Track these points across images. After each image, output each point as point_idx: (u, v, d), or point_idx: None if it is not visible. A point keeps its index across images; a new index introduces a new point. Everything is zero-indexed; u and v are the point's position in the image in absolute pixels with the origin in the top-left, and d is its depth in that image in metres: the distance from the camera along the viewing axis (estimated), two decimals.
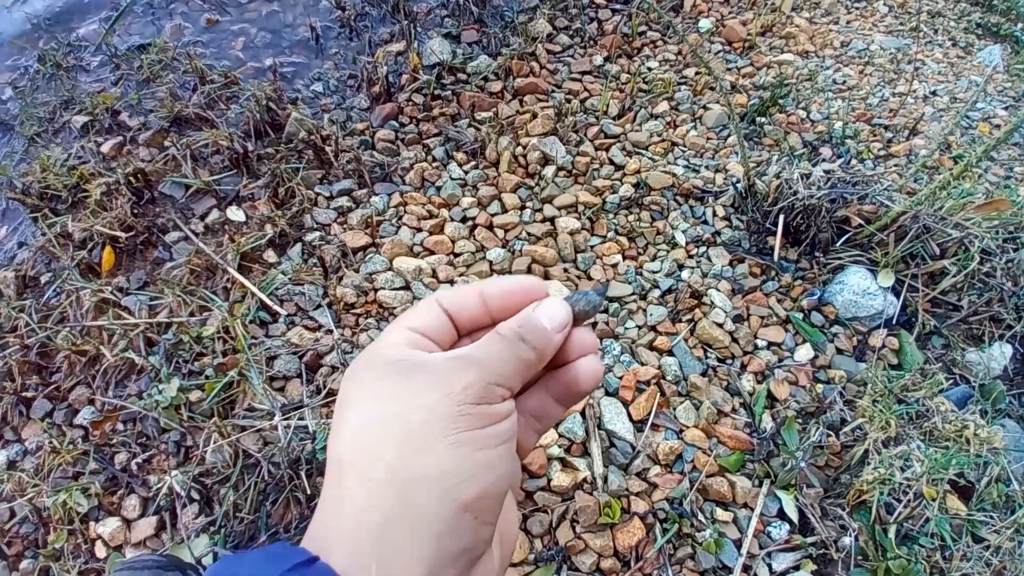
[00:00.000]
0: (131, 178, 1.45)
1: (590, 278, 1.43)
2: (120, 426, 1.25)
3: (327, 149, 1.56)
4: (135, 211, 1.47)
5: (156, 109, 1.66)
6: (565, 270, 1.44)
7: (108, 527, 1.16)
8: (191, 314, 1.29)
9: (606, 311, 1.38)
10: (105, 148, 1.58)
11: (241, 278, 1.31)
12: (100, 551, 1.18)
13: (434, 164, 1.64)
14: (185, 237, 1.44)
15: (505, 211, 1.54)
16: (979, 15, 2.51)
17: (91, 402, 1.23)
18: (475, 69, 1.83)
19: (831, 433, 1.21)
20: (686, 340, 1.32)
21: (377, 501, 0.30)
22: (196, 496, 1.15)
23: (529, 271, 1.42)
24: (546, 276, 1.42)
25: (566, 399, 0.39)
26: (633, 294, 1.41)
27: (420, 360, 0.34)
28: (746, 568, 1.08)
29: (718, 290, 1.41)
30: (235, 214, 1.48)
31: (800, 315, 1.39)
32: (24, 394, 1.25)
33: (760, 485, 1.16)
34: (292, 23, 1.89)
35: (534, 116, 1.72)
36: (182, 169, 1.52)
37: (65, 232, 1.43)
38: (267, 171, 1.53)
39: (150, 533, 1.16)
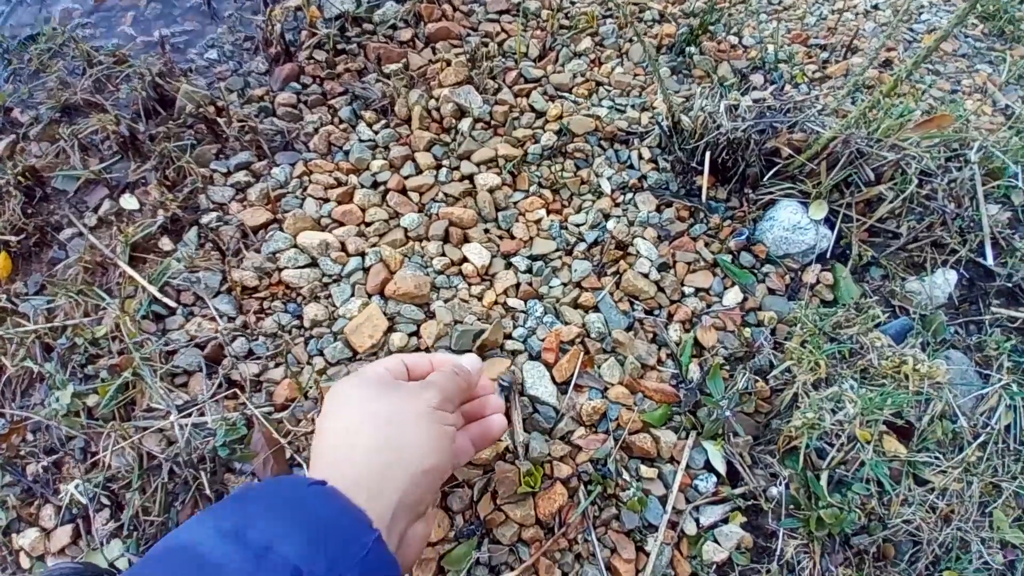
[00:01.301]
0: (20, 178, 1.34)
1: (512, 237, 1.35)
2: (30, 436, 1.20)
3: (220, 121, 1.45)
4: (27, 211, 1.37)
5: (46, 101, 1.53)
6: (486, 231, 1.36)
7: (28, 538, 1.13)
8: (85, 314, 1.22)
9: (529, 271, 1.31)
10: None
11: (131, 271, 1.22)
12: (24, 562, 1.16)
13: (341, 126, 1.53)
14: (78, 233, 1.35)
15: (419, 172, 1.44)
16: None
17: (1, 414, 1.17)
18: (382, 17, 1.68)
19: (759, 379, 1.16)
20: (611, 294, 1.26)
21: (374, 456, 0.52)
22: (106, 502, 1.11)
23: (447, 236, 1.34)
24: (465, 239, 1.34)
25: (480, 442, 0.75)
26: (558, 250, 1.33)
27: (398, 382, 0.64)
28: (672, 524, 1.06)
29: (644, 238, 1.34)
30: (128, 202, 1.38)
31: (728, 257, 1.33)
32: None
33: (686, 438, 1.12)
34: None
35: (447, 64, 1.60)
36: (71, 161, 1.41)
37: None
38: (161, 150, 1.42)
39: (67, 541, 1.13)
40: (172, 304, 1.22)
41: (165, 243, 1.32)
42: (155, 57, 1.58)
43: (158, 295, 1.20)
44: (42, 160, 1.44)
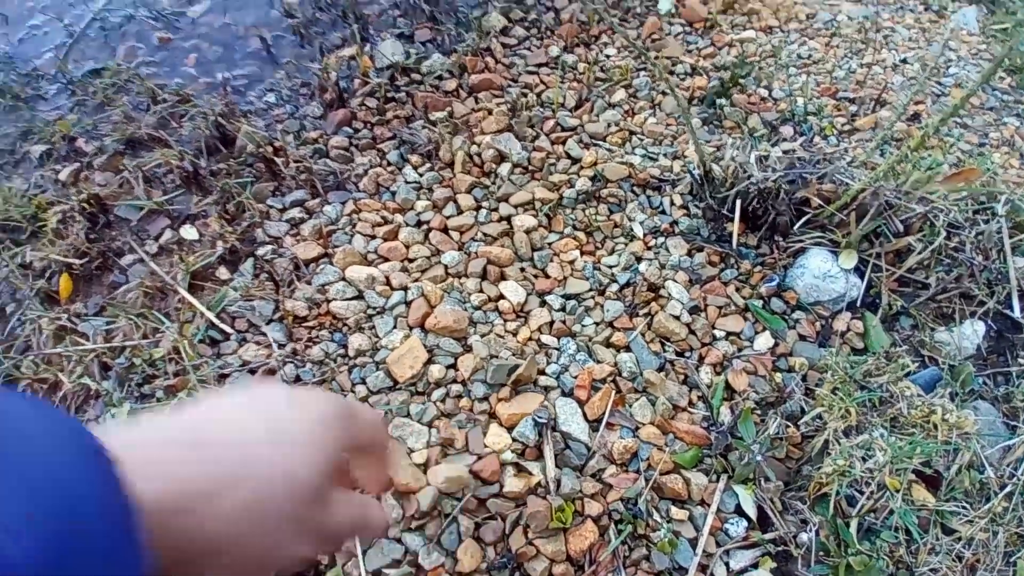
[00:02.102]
0: (85, 204, 1.46)
1: (547, 276, 1.41)
2: None
3: (278, 161, 1.55)
4: (90, 237, 1.47)
5: (111, 133, 1.66)
6: (522, 270, 1.42)
7: None
8: (144, 336, 1.29)
9: (563, 309, 1.36)
10: (63, 176, 1.59)
11: (190, 298, 1.30)
12: None
13: (389, 168, 1.62)
14: (139, 259, 1.44)
15: (460, 212, 1.52)
16: None
17: None
18: (429, 68, 1.80)
19: (790, 424, 1.18)
20: (643, 335, 1.30)
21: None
22: None
23: (485, 274, 1.40)
24: (502, 277, 1.40)
25: (371, 486, 0.48)
26: (591, 290, 1.38)
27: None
28: (703, 567, 1.06)
29: (675, 281, 1.39)
30: (188, 232, 1.48)
31: (759, 303, 1.36)
32: None
33: (717, 481, 1.14)
34: (244, 35, 1.87)
35: (489, 113, 1.70)
36: (135, 191, 1.52)
37: (25, 262, 1.44)
38: (218, 186, 1.53)
39: None
40: (227, 330, 1.29)
41: (222, 272, 1.41)
42: (217, 98, 1.71)
43: (215, 320, 1.27)
44: (106, 189, 1.55)
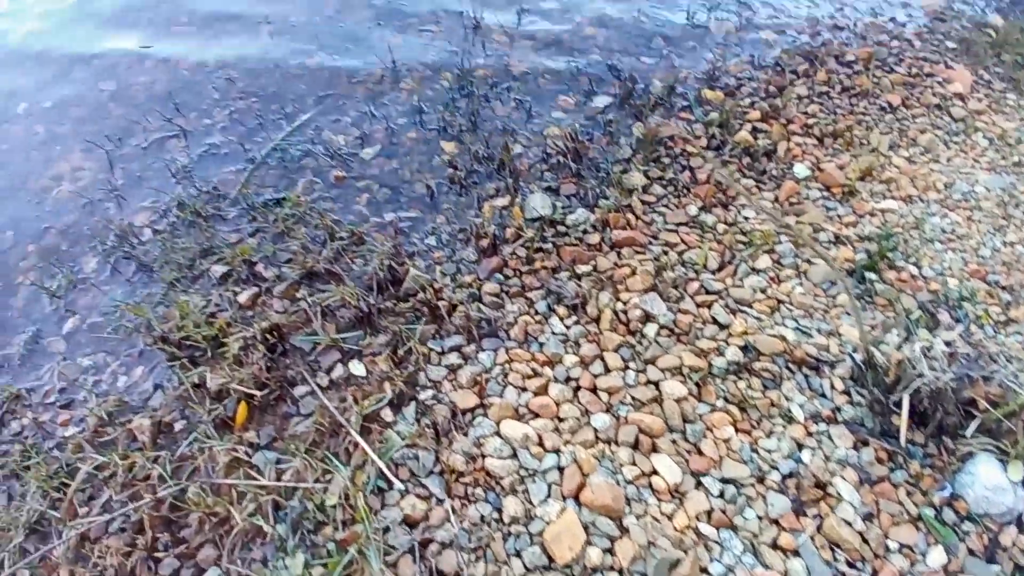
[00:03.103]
0: (267, 334, 1.60)
1: (701, 454, 1.40)
2: None
3: (440, 306, 1.66)
4: (269, 366, 1.58)
5: (290, 262, 1.83)
6: (674, 442, 1.42)
7: None
8: (316, 480, 1.36)
9: (721, 496, 1.33)
10: (242, 298, 1.76)
11: (364, 444, 1.38)
12: None
13: (536, 318, 1.70)
14: (311, 392, 1.55)
15: (608, 371, 1.56)
16: None
17: (218, 563, 1.30)
18: (574, 222, 1.92)
19: None
20: (812, 539, 1.25)
21: None
22: None
23: (637, 443, 1.41)
24: (654, 449, 1.41)
25: None
26: (750, 476, 1.36)
27: None
28: None
29: (844, 479, 1.34)
30: (356, 368, 1.59)
31: (932, 512, 1.29)
32: (155, 551, 1.33)
33: None
34: (410, 179, 2.08)
35: (633, 271, 1.77)
36: (312, 325, 1.65)
37: (202, 383, 1.57)
38: (387, 326, 1.65)
39: None
40: (393, 479, 1.34)
41: (386, 413, 1.48)
42: (386, 238, 1.88)
43: (385, 470, 1.33)
44: (283, 317, 1.70)
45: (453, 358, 1.60)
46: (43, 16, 2.82)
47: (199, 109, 2.28)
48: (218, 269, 1.83)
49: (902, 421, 1.39)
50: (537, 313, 1.71)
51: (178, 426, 1.53)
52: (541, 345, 1.63)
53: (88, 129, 2.29)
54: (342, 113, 2.28)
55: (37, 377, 1.72)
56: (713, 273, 1.80)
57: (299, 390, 1.56)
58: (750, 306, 1.71)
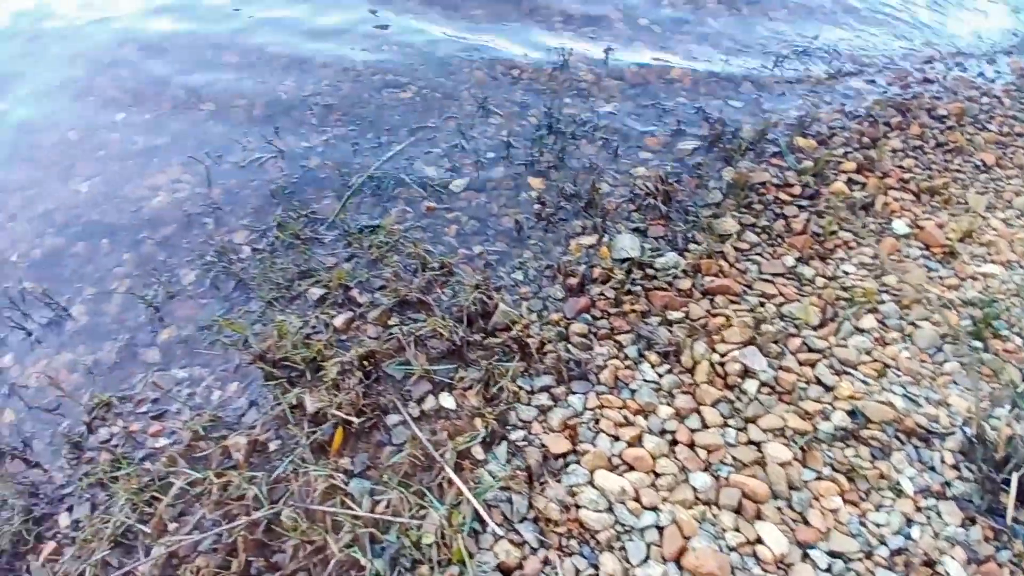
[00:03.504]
0: (364, 361, 1.61)
1: (808, 524, 1.33)
2: None
3: (530, 343, 1.65)
4: (365, 392, 1.58)
5: (383, 289, 1.85)
6: (779, 509, 1.36)
7: None
8: (411, 514, 1.34)
9: (829, 570, 1.26)
10: (337, 322, 1.78)
11: (460, 483, 1.36)
12: None
13: (626, 363, 1.66)
14: (403, 421, 1.54)
15: (706, 427, 1.51)
16: None
17: None
18: (663, 265, 1.89)
19: None
20: None
21: None
22: None
23: (739, 508, 1.35)
24: (758, 515, 1.34)
25: None
26: (859, 551, 1.28)
27: None
28: None
29: (953, 558, 1.26)
30: (446, 400, 1.58)
31: None
32: None
33: None
34: (497, 213, 2.09)
35: (728, 320, 1.72)
36: (406, 353, 1.65)
37: (299, 404, 1.58)
38: (477, 359, 1.64)
39: None
40: (488, 520, 1.31)
41: (477, 451, 1.46)
42: (475, 271, 1.88)
43: (482, 512, 1.31)
44: (377, 344, 1.70)
45: (543, 398, 1.57)
46: (139, 34, 2.98)
47: (297, 133, 2.36)
48: (315, 291, 1.85)
49: (1009, 500, 1.30)
50: (627, 358, 1.68)
51: (272, 446, 1.54)
52: (633, 392, 1.59)
53: (186, 144, 2.38)
54: (433, 145, 2.32)
55: (129, 385, 1.76)
56: (815, 330, 1.74)
57: (391, 419, 1.56)
58: (855, 368, 1.64)
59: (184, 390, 1.71)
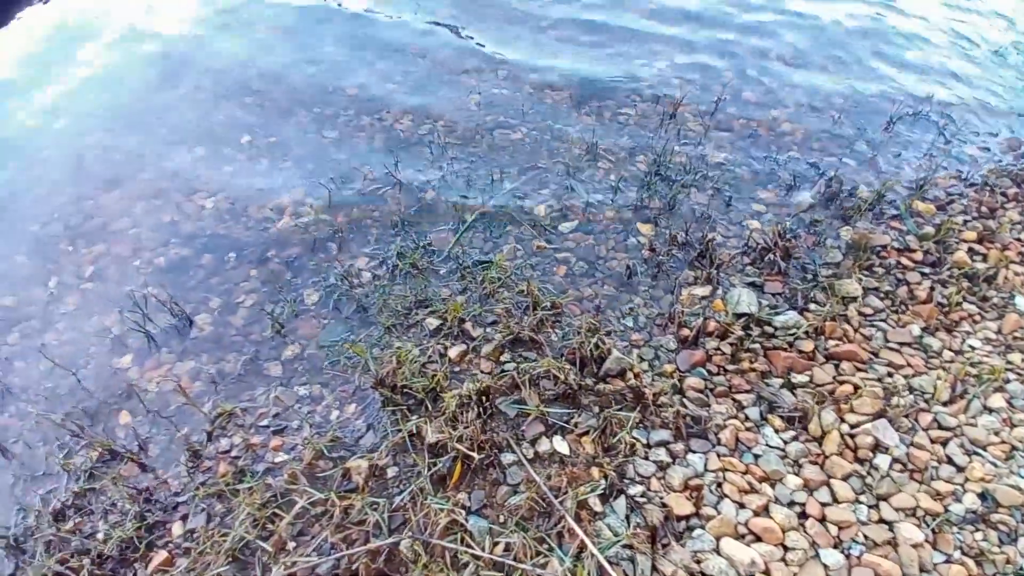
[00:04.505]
0: (481, 396, 1.63)
1: None
2: None
3: (646, 394, 1.63)
4: (484, 429, 1.60)
5: (495, 324, 1.88)
6: None
7: None
8: (533, 561, 1.33)
9: None
10: (452, 353, 1.82)
11: (584, 536, 1.35)
12: None
13: (747, 424, 1.63)
14: (518, 461, 1.55)
15: (836, 502, 1.45)
16: None
17: None
18: (783, 324, 1.85)
19: None
20: None
21: None
22: None
23: None
24: None
25: None
26: None
27: None
28: None
29: None
30: (560, 445, 1.58)
31: None
32: None
33: None
34: (605, 256, 2.11)
35: (856, 389, 1.67)
36: (520, 392, 1.67)
37: (418, 433, 1.61)
38: (590, 404, 1.64)
39: None
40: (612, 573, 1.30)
41: (594, 501, 1.45)
42: (584, 312, 1.90)
43: (608, 568, 1.29)
44: (491, 379, 1.72)
45: (661, 453, 1.55)
46: (267, 63, 3.19)
47: (415, 167, 2.46)
48: (432, 322, 1.91)
49: None
50: (748, 419, 1.64)
51: (390, 472, 1.57)
52: (756, 457, 1.55)
53: (309, 169, 2.52)
54: (543, 185, 2.38)
55: (251, 398, 1.83)
56: (944, 405, 1.66)
57: (506, 457, 1.57)
58: (985, 448, 1.55)
59: (305, 407, 1.77)
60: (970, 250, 2.14)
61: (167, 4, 3.62)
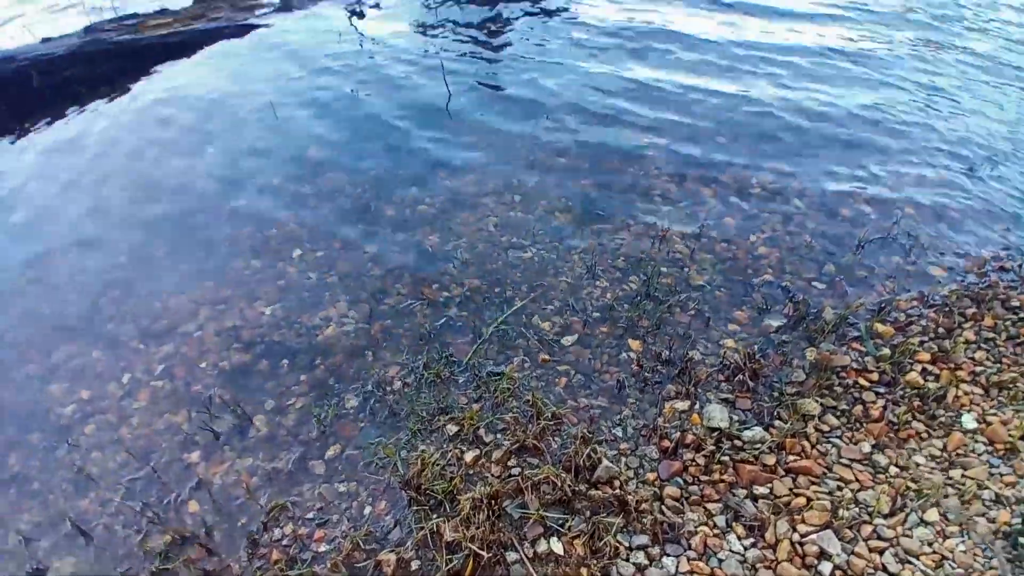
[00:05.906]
0: (491, 500, 1.97)
1: None
2: None
3: (630, 500, 1.95)
4: (493, 528, 1.92)
5: (504, 431, 2.23)
6: None
7: None
8: None
9: None
10: (467, 458, 2.17)
11: None
12: None
13: (715, 531, 1.92)
14: (520, 560, 1.86)
15: None
16: None
17: None
18: (750, 439, 2.17)
19: None
20: None
21: None
22: None
23: None
24: None
25: None
26: None
27: None
28: None
29: None
30: (556, 546, 1.89)
31: None
32: None
33: None
34: (600, 369, 2.47)
35: (808, 502, 1.96)
36: (524, 496, 2.00)
37: (438, 530, 1.94)
38: (582, 509, 1.95)
39: None
40: None
41: None
42: (580, 422, 2.24)
43: None
44: (499, 483, 2.06)
45: (640, 556, 1.85)
46: (319, 184, 3.73)
47: (439, 282, 2.89)
48: (452, 428, 2.27)
49: None
50: (716, 527, 1.94)
51: (414, 565, 1.90)
52: (720, 561, 1.84)
53: (350, 284, 2.96)
54: (548, 302, 2.78)
55: (299, 493, 2.19)
56: (885, 518, 1.94)
57: (511, 555, 1.88)
58: (917, 557, 1.82)
59: (343, 503, 2.12)
60: (923, 370, 2.44)
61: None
